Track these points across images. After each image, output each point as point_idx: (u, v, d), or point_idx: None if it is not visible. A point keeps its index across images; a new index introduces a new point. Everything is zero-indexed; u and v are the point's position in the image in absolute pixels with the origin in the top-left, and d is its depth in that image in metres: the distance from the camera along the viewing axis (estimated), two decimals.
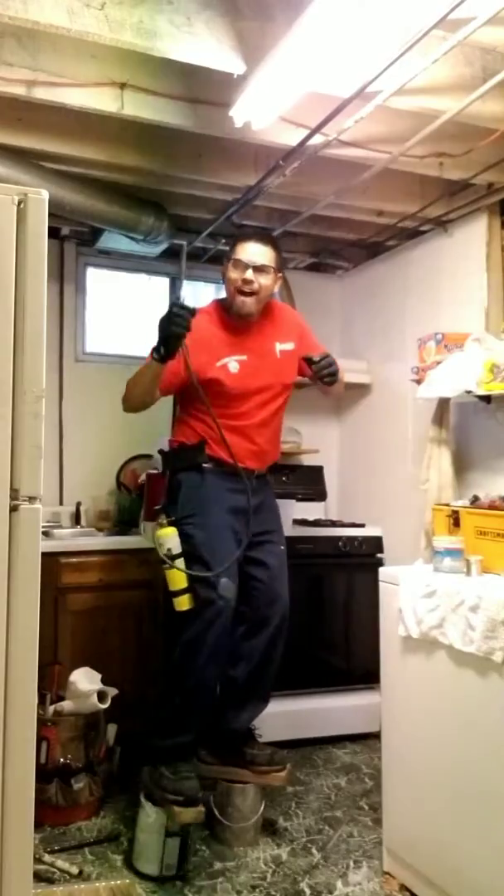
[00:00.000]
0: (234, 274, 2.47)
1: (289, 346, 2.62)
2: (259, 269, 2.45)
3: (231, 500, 2.44)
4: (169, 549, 2.36)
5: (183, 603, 2.34)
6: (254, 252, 2.46)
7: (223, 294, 2.62)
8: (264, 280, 2.47)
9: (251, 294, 2.47)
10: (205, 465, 2.46)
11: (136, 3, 1.98)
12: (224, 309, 2.56)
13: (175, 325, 2.21)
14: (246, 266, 2.45)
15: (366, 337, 4.06)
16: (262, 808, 2.55)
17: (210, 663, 2.32)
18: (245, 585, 2.42)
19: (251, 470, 2.51)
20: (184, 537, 2.38)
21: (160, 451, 2.64)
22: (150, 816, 2.30)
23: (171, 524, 2.40)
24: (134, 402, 2.47)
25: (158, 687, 3.12)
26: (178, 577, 2.35)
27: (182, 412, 2.59)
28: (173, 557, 2.36)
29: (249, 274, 2.44)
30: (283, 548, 2.61)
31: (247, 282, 2.45)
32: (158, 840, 2.28)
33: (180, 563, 2.35)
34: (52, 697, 2.74)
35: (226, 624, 2.32)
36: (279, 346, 2.60)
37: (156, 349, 2.28)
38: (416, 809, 2.20)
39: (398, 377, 3.57)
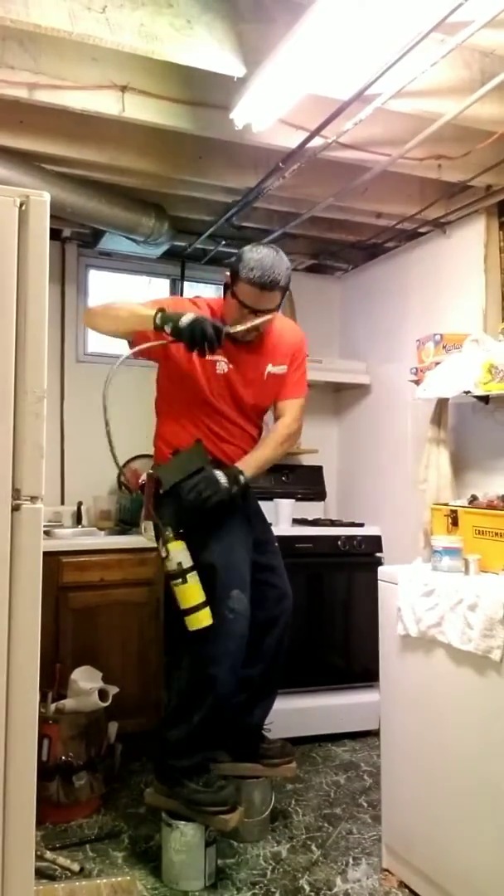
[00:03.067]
0: (237, 313, 2.32)
1: (280, 369, 2.49)
2: (264, 311, 2.32)
3: (233, 504, 2.38)
4: (180, 563, 2.21)
5: (202, 619, 2.20)
6: (262, 301, 2.29)
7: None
8: (270, 318, 2.36)
9: (254, 330, 2.36)
10: (206, 468, 2.33)
11: (137, 7, 2.00)
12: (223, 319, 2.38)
13: (208, 341, 2.15)
14: (252, 311, 2.30)
15: (365, 338, 4.07)
16: (272, 801, 2.58)
17: (230, 678, 2.28)
18: (258, 591, 2.38)
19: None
20: (196, 549, 2.26)
21: (154, 467, 2.44)
22: (186, 835, 2.26)
23: (178, 537, 2.25)
24: (101, 326, 2.37)
25: (159, 692, 3.15)
26: (192, 593, 2.20)
27: (167, 413, 2.47)
28: (185, 572, 2.21)
29: (253, 322, 2.30)
30: (276, 545, 2.61)
31: (249, 329, 2.32)
32: (200, 854, 2.26)
33: (194, 576, 2.21)
34: (53, 695, 2.75)
35: (243, 636, 2.28)
36: (270, 369, 2.46)
37: (171, 326, 2.16)
38: (415, 807, 2.21)
39: (397, 378, 3.59)
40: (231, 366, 2.39)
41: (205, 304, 2.47)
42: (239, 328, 2.27)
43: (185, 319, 2.16)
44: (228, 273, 2.35)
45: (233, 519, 2.36)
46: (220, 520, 2.32)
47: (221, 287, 2.43)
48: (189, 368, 2.36)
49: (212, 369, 2.38)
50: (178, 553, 2.23)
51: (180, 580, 2.22)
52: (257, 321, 2.31)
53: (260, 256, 2.26)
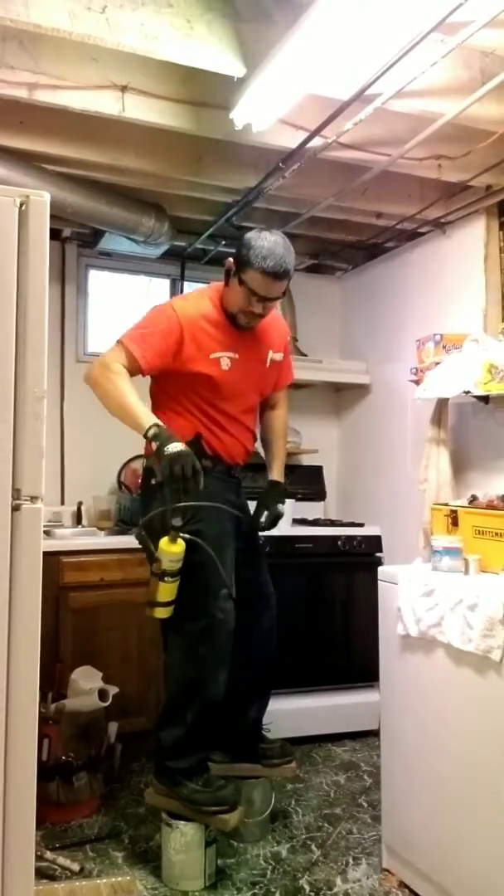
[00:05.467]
0: (243, 300, 2.30)
1: (279, 356, 2.54)
2: (272, 299, 2.33)
3: (228, 502, 2.38)
4: (178, 566, 2.16)
5: (169, 611, 2.21)
6: (273, 289, 2.28)
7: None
8: (273, 305, 2.37)
9: (258, 317, 2.37)
10: (204, 463, 2.29)
11: (137, 7, 2.00)
12: (224, 306, 2.38)
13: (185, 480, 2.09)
14: (261, 299, 2.29)
15: (365, 338, 4.07)
16: (272, 801, 2.58)
17: (220, 675, 2.29)
18: (241, 588, 2.36)
19: (239, 465, 2.49)
20: (190, 547, 2.18)
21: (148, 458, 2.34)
22: (186, 835, 2.25)
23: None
24: (98, 395, 2.27)
25: (159, 692, 3.13)
26: (172, 590, 2.19)
27: (166, 403, 2.40)
28: (179, 572, 2.17)
29: (260, 309, 2.32)
30: (261, 542, 2.61)
31: (256, 314, 2.33)
32: (200, 854, 2.26)
33: (178, 576, 2.19)
34: (53, 695, 2.75)
35: (230, 634, 2.28)
36: (271, 355, 2.50)
37: (158, 447, 2.10)
38: (415, 807, 2.21)
39: (397, 378, 3.59)
40: (236, 356, 2.37)
41: (216, 293, 2.41)
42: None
43: (173, 448, 2.08)
44: (232, 259, 2.31)
45: (223, 518, 2.34)
46: (212, 518, 2.28)
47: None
48: (199, 370, 2.32)
49: (217, 368, 2.34)
50: (180, 554, 2.16)
51: (175, 578, 2.18)
52: (262, 308, 2.32)
53: (271, 245, 2.24)
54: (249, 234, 2.30)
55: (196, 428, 2.37)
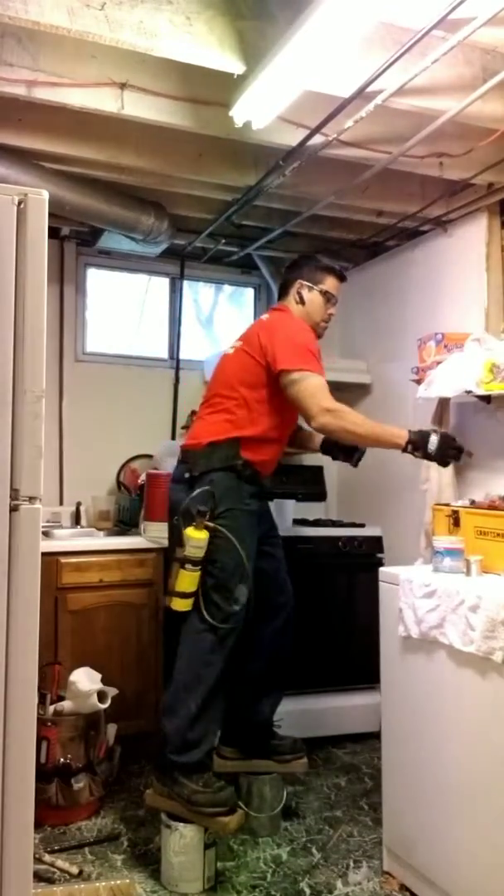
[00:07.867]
0: (325, 309, 2.67)
1: None
2: None
3: (253, 503, 2.47)
4: (201, 553, 2.28)
5: (186, 604, 2.31)
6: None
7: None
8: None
9: None
10: (239, 464, 2.41)
11: (136, 3, 1.98)
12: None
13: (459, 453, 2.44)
14: (335, 302, 2.69)
15: (366, 337, 4.06)
16: (284, 797, 2.59)
17: (225, 664, 2.33)
18: (258, 581, 2.42)
19: (268, 476, 2.58)
20: (216, 540, 2.31)
21: (186, 448, 2.52)
22: (185, 837, 2.25)
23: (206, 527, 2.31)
24: (357, 441, 2.57)
25: (158, 693, 3.13)
26: (194, 581, 2.29)
27: (229, 405, 2.48)
28: (199, 562, 2.28)
29: (334, 311, 2.71)
30: (279, 538, 2.70)
31: (332, 317, 2.71)
32: (199, 857, 2.25)
33: (200, 566, 2.30)
34: (52, 697, 2.74)
35: (240, 626, 2.34)
36: None
37: (423, 452, 2.39)
38: (415, 809, 2.20)
39: (398, 377, 3.57)
40: None
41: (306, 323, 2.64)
42: None
43: (434, 442, 2.37)
44: (304, 280, 2.65)
45: (253, 513, 2.44)
46: (236, 515, 2.37)
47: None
48: None
49: None
50: (203, 543, 2.29)
51: (196, 568, 2.28)
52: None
53: (322, 257, 2.73)
54: (304, 257, 2.76)
55: (240, 431, 2.43)
